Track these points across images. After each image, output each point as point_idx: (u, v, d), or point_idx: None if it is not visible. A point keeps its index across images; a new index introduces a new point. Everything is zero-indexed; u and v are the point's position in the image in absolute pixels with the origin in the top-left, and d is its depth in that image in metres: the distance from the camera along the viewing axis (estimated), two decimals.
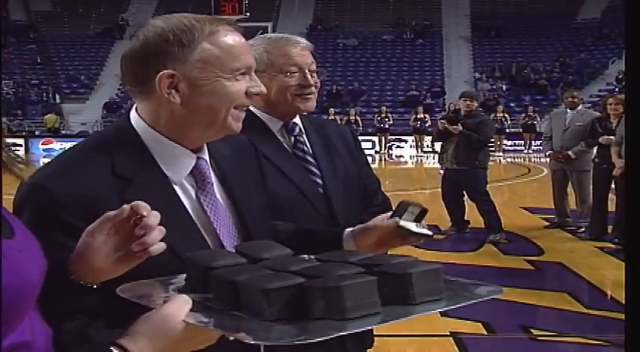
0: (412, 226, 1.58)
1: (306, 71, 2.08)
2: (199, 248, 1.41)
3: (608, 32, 34.65)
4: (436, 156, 24.51)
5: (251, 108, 1.63)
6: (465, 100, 8.57)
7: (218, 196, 1.54)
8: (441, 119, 9.06)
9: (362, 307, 1.07)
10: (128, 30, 37.61)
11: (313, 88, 2.09)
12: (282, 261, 1.22)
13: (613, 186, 8.22)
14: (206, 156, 1.54)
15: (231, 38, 1.46)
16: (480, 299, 1.21)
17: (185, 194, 1.49)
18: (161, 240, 1.23)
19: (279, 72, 2.07)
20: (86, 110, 31.75)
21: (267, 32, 15.29)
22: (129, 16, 38.49)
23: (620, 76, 29.84)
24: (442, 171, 9.06)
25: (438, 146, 8.79)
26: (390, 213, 1.63)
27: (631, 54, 1.99)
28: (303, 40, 2.17)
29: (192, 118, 1.45)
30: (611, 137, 7.93)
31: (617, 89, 28.72)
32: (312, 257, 1.34)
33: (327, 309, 1.06)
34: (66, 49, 36.72)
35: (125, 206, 1.22)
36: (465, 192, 8.73)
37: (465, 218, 8.90)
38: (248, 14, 25.63)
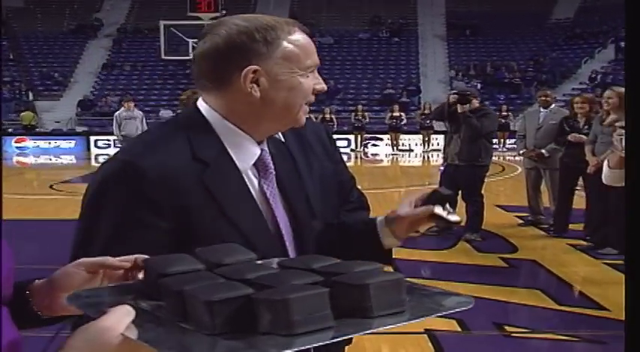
0: (444, 214, 1.64)
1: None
2: (264, 235, 1.54)
3: (580, 32, 35.08)
4: (411, 154, 25.29)
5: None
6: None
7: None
8: (453, 93, 8.94)
9: (311, 321, 1.00)
10: (102, 29, 37.43)
11: None
12: (239, 269, 1.15)
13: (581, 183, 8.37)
14: (267, 148, 1.61)
15: (305, 38, 1.56)
16: (447, 312, 1.13)
17: (250, 182, 1.56)
18: (232, 226, 1.46)
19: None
20: (60, 107, 31.42)
21: None
22: (103, 16, 38.20)
23: (592, 75, 30.20)
24: (442, 168, 9.00)
25: (414, 144, 8.81)
26: (418, 196, 1.66)
27: (631, 54, 1.98)
28: None
29: (268, 111, 1.54)
30: (582, 136, 8.01)
31: (589, 88, 29.05)
32: (277, 262, 1.28)
33: (274, 323, 1.00)
34: (39, 45, 36.32)
35: (130, 257, 1.27)
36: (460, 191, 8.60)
37: None
38: (224, 12, 25.38)
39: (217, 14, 25.24)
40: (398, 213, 1.66)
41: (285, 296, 0.99)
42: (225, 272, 1.13)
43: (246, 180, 1.55)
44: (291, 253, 1.59)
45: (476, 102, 8.39)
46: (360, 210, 1.92)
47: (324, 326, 1.01)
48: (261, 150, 1.59)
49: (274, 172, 1.61)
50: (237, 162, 1.54)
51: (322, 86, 1.59)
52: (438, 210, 1.63)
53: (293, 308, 0.98)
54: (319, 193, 1.70)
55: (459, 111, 8.26)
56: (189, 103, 6.30)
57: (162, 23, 26.17)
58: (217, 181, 1.48)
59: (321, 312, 1.01)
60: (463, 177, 8.38)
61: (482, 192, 8.56)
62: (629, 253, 1.83)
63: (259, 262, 1.23)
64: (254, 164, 1.58)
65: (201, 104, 1.59)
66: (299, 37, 1.54)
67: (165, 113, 28.40)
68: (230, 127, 1.56)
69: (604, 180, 3.68)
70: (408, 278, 1.17)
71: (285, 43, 1.52)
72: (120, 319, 1.04)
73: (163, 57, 26.98)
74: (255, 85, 1.51)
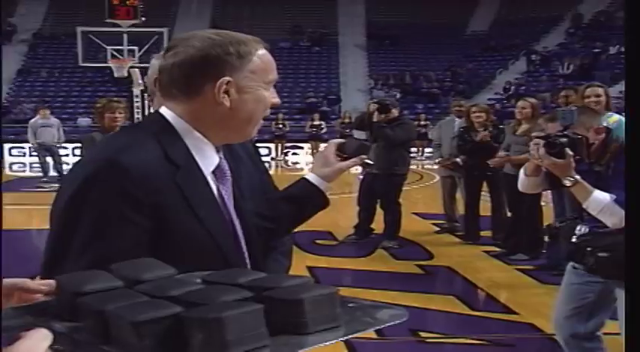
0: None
1: None
2: (228, 238, 1.63)
3: (494, 44, 35.93)
4: None
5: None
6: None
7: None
8: (373, 102, 9.06)
9: (246, 340, 0.95)
10: (16, 34, 36.34)
11: None
12: (161, 285, 1.08)
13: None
14: (223, 156, 1.70)
15: (268, 54, 1.67)
16: (382, 325, 1.10)
17: (212, 187, 1.64)
18: (203, 228, 1.53)
19: None
20: None
21: (162, 38, 14.93)
22: (17, 20, 37.14)
23: (506, 86, 30.95)
24: (361, 176, 9.12)
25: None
26: (333, 150, 1.96)
27: (631, 54, 2.00)
28: None
29: (233, 121, 1.63)
30: (487, 133, 8.20)
31: (503, 98, 29.82)
32: (199, 277, 1.19)
33: (207, 343, 0.94)
34: None
35: (50, 281, 1.20)
36: (379, 199, 8.76)
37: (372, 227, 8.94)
38: (143, 19, 24.99)
39: (136, 21, 24.81)
40: (333, 170, 1.94)
41: (219, 315, 0.94)
42: (146, 290, 1.07)
43: (211, 184, 1.63)
44: (247, 257, 1.69)
45: (395, 112, 8.48)
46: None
47: (260, 344, 0.97)
48: (220, 157, 1.67)
49: (231, 179, 1.69)
50: (201, 167, 1.61)
51: (277, 100, 1.69)
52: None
53: (227, 327, 0.93)
54: (248, 201, 1.77)
55: (374, 119, 8.34)
56: (105, 112, 6.58)
57: (79, 29, 25.44)
58: (188, 183, 1.55)
59: (257, 330, 0.97)
60: (381, 186, 8.48)
61: (400, 200, 8.65)
62: (629, 259, 1.88)
63: (179, 277, 1.17)
64: (213, 171, 1.65)
65: (165, 111, 1.64)
66: (264, 52, 1.65)
67: (84, 121, 27.77)
68: (195, 134, 1.63)
69: (520, 188, 3.74)
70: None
71: (254, 58, 1.62)
72: (36, 344, 0.93)
73: (81, 64, 26.30)
74: (226, 96, 1.60)
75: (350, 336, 1.05)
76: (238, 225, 1.68)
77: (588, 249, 3.39)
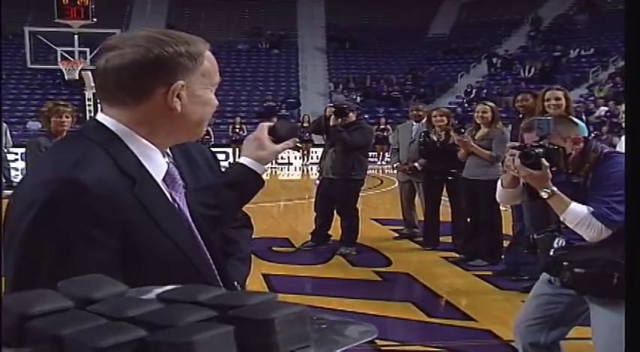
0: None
1: None
2: (193, 245, 1.58)
3: (456, 47, 36.16)
4: (290, 167, 25.26)
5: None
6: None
7: None
8: (329, 106, 9.01)
9: None
10: None
11: None
12: (117, 304, 1.00)
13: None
14: (171, 160, 1.64)
15: (212, 55, 1.62)
16: (353, 344, 1.05)
17: (167, 196, 1.58)
18: (168, 239, 1.48)
19: None
20: None
21: None
22: None
23: (468, 89, 31.06)
24: (317, 182, 9.04)
25: (293, 157, 8.70)
26: (265, 133, 2.04)
27: (631, 54, 2.04)
28: None
29: (183, 125, 1.57)
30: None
31: (465, 101, 29.84)
32: (154, 293, 1.09)
33: None
34: None
35: None
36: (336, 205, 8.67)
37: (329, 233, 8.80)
38: (95, 20, 24.49)
39: (88, 21, 24.39)
40: (268, 152, 2.01)
41: (189, 339, 0.87)
42: (101, 310, 0.98)
43: (164, 192, 1.56)
44: (214, 266, 1.65)
45: (352, 116, 8.40)
46: (244, 228, 2.16)
47: None
48: (167, 163, 1.60)
49: (182, 184, 1.64)
50: (153, 175, 1.53)
51: (216, 102, 1.64)
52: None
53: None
54: None
55: (331, 124, 8.25)
56: (51, 116, 6.54)
57: (27, 29, 24.93)
58: (146, 195, 1.48)
59: None
60: (337, 191, 8.40)
61: (358, 205, 8.59)
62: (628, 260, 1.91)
63: (132, 295, 1.07)
64: (162, 177, 1.58)
65: (104, 118, 1.55)
66: (209, 54, 1.60)
67: (33, 125, 26.99)
68: (139, 140, 1.54)
69: (498, 199, 3.76)
70: (279, 294, 1.13)
71: (203, 60, 1.57)
72: None
73: (30, 65, 25.68)
74: (178, 100, 1.52)
75: None
76: (197, 232, 1.62)
77: (565, 263, 3.35)
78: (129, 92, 1.51)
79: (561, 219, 3.32)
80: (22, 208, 1.42)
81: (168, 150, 1.65)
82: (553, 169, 3.26)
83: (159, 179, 1.55)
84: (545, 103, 6.07)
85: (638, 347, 1.81)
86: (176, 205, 1.58)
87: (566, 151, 3.31)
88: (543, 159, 3.24)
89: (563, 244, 3.45)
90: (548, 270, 3.52)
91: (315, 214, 8.81)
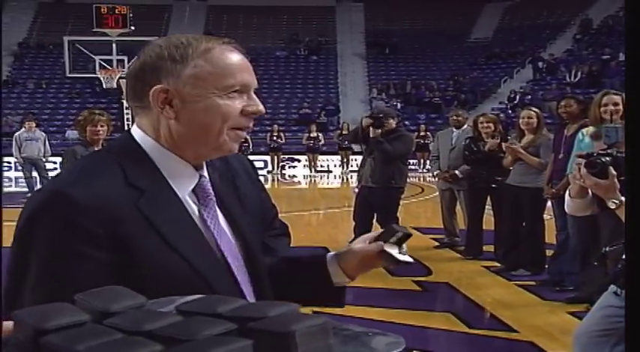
0: (395, 252, 1.66)
1: None
2: (211, 263, 1.50)
3: (498, 51, 35.62)
4: (329, 175, 25.05)
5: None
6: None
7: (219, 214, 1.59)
8: (366, 117, 8.81)
9: None
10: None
11: None
12: (134, 318, 0.96)
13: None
14: (206, 174, 1.58)
15: (227, 55, 1.51)
16: None
17: (190, 209, 1.52)
18: (176, 254, 1.43)
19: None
20: None
21: None
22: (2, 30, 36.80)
23: (511, 95, 30.43)
24: (357, 190, 9.01)
25: (332, 165, 8.55)
26: (373, 234, 1.72)
27: (631, 53, 2.09)
28: None
29: (187, 134, 1.50)
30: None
31: (509, 107, 29.18)
32: (174, 306, 1.04)
33: None
34: None
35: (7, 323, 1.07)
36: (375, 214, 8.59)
37: None
38: (133, 28, 24.65)
39: (126, 30, 24.67)
40: (350, 248, 1.71)
41: None
42: (117, 324, 0.96)
43: (187, 206, 1.51)
44: (243, 283, 1.57)
45: (392, 123, 8.34)
46: (282, 236, 2.00)
47: None
48: (200, 176, 1.55)
49: (214, 199, 1.57)
50: (174, 188, 1.50)
51: (255, 108, 1.53)
52: (389, 248, 1.66)
53: None
54: (251, 221, 1.68)
55: (371, 135, 8.16)
56: (87, 124, 6.59)
57: (66, 39, 25.26)
58: (154, 208, 1.44)
59: None
60: (377, 200, 8.32)
61: (398, 214, 8.54)
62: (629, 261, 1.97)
63: (150, 307, 1.04)
64: (193, 190, 1.54)
65: (134, 130, 1.56)
66: (218, 55, 1.50)
67: (72, 134, 27.26)
68: (163, 151, 1.52)
69: (567, 210, 3.71)
70: None
71: (197, 62, 1.48)
72: None
73: (68, 74, 25.93)
74: (167, 106, 1.48)
75: None
76: (232, 250, 1.56)
77: None
78: (131, 99, 1.55)
79: None
80: (21, 213, 1.44)
81: (207, 164, 1.61)
82: (621, 178, 3.19)
83: (183, 193, 1.51)
84: (602, 109, 5.73)
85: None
86: (202, 221, 1.52)
87: None
88: (611, 168, 3.18)
89: None
90: (616, 282, 3.47)
91: (354, 223, 8.70)
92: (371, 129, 8.16)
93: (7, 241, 1.47)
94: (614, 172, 3.20)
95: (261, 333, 0.95)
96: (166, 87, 1.46)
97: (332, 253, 1.75)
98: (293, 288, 1.65)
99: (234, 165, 1.76)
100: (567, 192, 3.62)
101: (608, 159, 3.23)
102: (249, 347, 0.91)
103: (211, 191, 1.57)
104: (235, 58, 1.51)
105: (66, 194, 1.38)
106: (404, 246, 1.69)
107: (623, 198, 3.21)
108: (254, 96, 1.53)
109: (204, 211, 1.54)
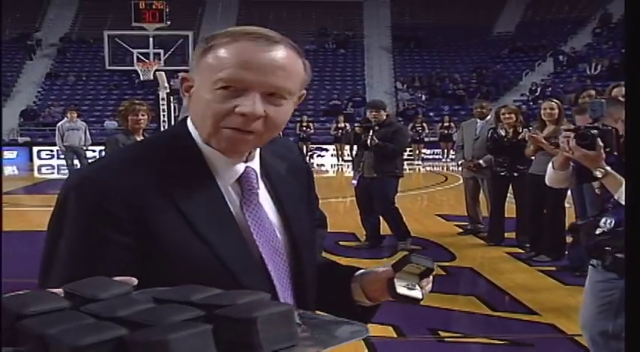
0: (401, 286, 1.53)
1: None
2: (242, 258, 1.41)
3: (521, 45, 35.75)
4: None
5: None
6: (371, 112, 8.55)
7: (267, 210, 1.49)
8: (357, 126, 9.13)
9: None
10: (45, 38, 36.81)
11: None
12: (111, 305, 1.00)
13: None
14: (256, 167, 1.49)
15: (236, 49, 1.37)
16: (341, 343, 1.04)
17: (231, 202, 1.44)
18: (205, 246, 1.34)
19: None
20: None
21: (188, 41, 14.94)
22: (46, 25, 37.61)
23: (533, 88, 30.73)
24: (355, 181, 8.97)
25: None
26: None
27: (631, 53, 1.98)
28: None
29: (195, 126, 1.45)
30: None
31: (530, 99, 29.61)
32: (153, 294, 1.09)
33: None
34: None
35: None
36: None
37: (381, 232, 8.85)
38: (169, 22, 25.15)
39: (162, 24, 24.98)
40: (373, 269, 1.60)
41: (164, 337, 0.86)
42: (94, 310, 0.98)
43: (227, 198, 1.43)
44: (279, 280, 1.47)
45: (383, 115, 8.46)
46: (320, 227, 1.95)
47: None
48: (246, 167, 1.46)
49: (258, 192, 1.47)
50: (216, 178, 1.43)
51: (245, 109, 1.35)
52: (398, 280, 1.52)
53: (173, 351, 0.86)
54: (304, 216, 1.62)
55: (370, 143, 8.30)
56: (128, 114, 6.65)
57: (106, 33, 25.72)
58: (188, 198, 1.37)
59: None
60: (377, 188, 8.45)
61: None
62: (629, 260, 1.86)
63: (135, 294, 1.07)
64: (238, 182, 1.46)
65: (190, 117, 1.49)
66: (229, 48, 1.37)
67: (110, 124, 28.04)
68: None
69: (547, 182, 3.78)
70: None
71: (210, 54, 1.39)
72: None
73: (108, 67, 26.56)
74: (187, 94, 1.44)
75: None
76: (275, 247, 1.47)
77: (607, 247, 3.39)
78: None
79: (615, 197, 3.31)
80: (58, 195, 1.42)
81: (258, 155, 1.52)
82: (606, 150, 3.27)
83: (225, 182, 1.44)
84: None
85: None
86: (242, 213, 1.44)
87: (618, 132, 3.34)
88: (599, 140, 3.26)
89: (612, 224, 3.41)
90: (591, 254, 3.54)
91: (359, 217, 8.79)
92: (369, 140, 8.27)
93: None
94: (602, 144, 3.25)
95: (225, 319, 0.94)
96: (187, 75, 1.44)
97: (360, 271, 1.65)
98: (320, 294, 1.59)
99: (295, 161, 1.67)
100: (550, 164, 3.70)
101: (596, 131, 3.30)
102: (209, 331, 0.91)
103: (255, 184, 1.47)
104: (245, 53, 1.36)
105: (96, 177, 1.37)
106: (425, 280, 1.59)
107: (608, 168, 3.26)
108: (255, 96, 1.36)
109: (245, 204, 1.45)
